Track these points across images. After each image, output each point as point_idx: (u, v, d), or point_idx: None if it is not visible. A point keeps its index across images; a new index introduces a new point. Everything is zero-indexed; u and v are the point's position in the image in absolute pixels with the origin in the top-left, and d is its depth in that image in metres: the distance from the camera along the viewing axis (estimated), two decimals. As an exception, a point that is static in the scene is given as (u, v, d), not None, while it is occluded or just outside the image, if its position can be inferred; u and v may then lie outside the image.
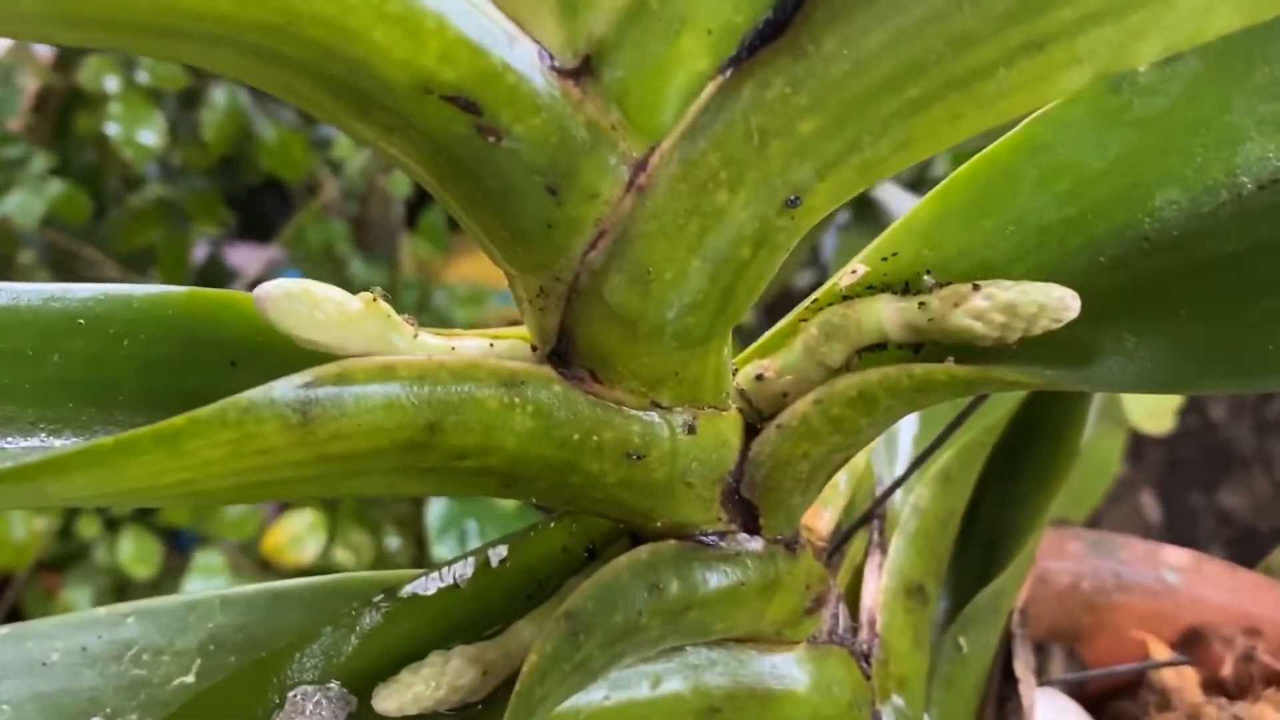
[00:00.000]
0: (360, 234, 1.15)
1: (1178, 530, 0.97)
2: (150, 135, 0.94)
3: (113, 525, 0.95)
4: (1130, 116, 0.16)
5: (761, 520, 0.19)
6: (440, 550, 0.84)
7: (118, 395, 0.17)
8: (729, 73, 0.14)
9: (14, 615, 1.08)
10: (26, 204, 0.95)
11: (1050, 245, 0.17)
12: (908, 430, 0.30)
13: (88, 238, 1.11)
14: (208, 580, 0.88)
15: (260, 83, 0.14)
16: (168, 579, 0.96)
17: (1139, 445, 1.04)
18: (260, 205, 1.32)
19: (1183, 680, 0.32)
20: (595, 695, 0.20)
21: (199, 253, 1.22)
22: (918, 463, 0.25)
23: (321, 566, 0.91)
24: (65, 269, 1.11)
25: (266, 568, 0.92)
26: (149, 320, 0.18)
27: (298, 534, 0.90)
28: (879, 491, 0.26)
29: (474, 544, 0.90)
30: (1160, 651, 0.33)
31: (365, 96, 0.14)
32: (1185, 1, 0.12)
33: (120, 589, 1.00)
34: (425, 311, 1.15)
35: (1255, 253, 0.16)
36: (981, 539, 0.28)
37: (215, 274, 1.31)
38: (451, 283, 1.18)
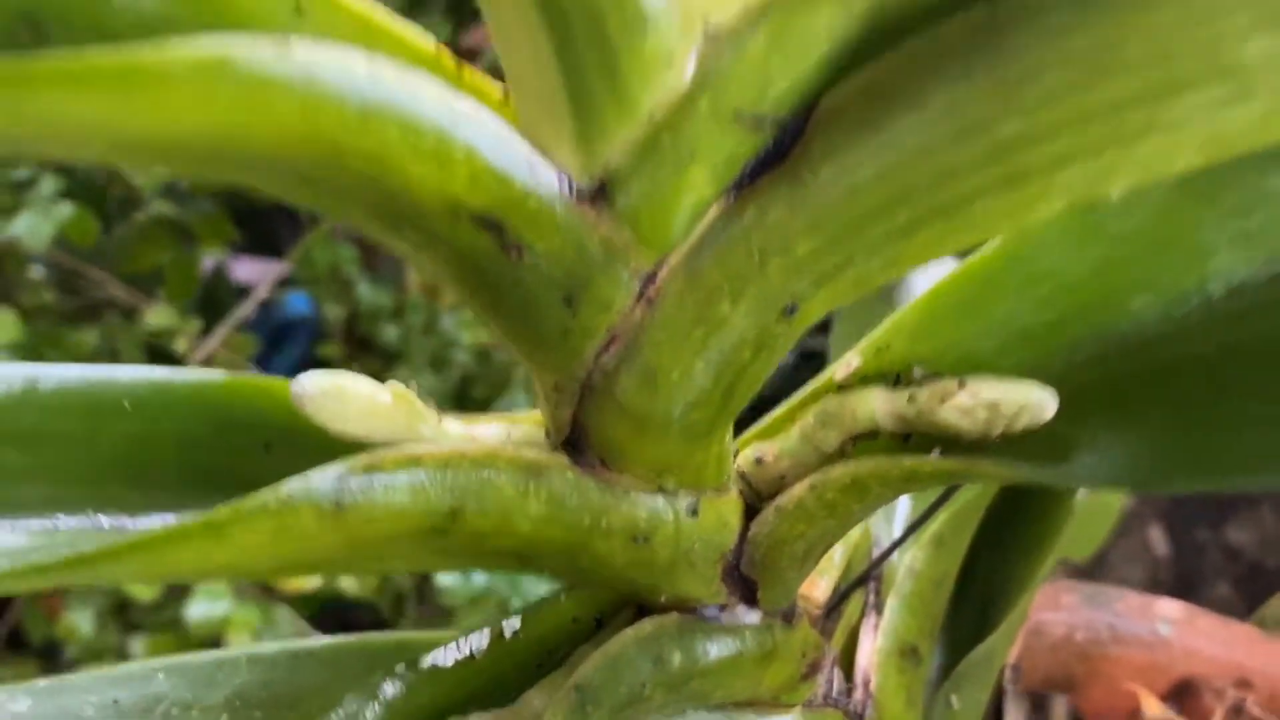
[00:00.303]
0: (368, 257, 1.17)
1: (1185, 565, 0.98)
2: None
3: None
4: (1106, 232, 0.18)
5: (760, 594, 0.20)
6: (444, 579, 0.85)
7: (160, 475, 0.18)
8: (732, 197, 0.16)
9: (15, 636, 1.09)
10: (36, 226, 0.96)
11: (1032, 345, 0.18)
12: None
13: (93, 257, 1.12)
14: (211, 603, 0.89)
15: (299, 200, 0.16)
16: (170, 601, 0.97)
17: (1145, 478, 1.05)
18: (268, 221, 1.34)
19: (1173, 733, 0.33)
20: None
21: (205, 265, 1.24)
22: (914, 527, 0.26)
23: (326, 591, 0.92)
24: (71, 289, 1.13)
25: (270, 591, 0.94)
26: (190, 404, 0.19)
27: (302, 559, 0.91)
28: (876, 554, 0.27)
29: (477, 579, 0.92)
30: (1151, 704, 0.34)
31: (400, 217, 0.15)
32: (1149, 145, 0.14)
33: (121, 610, 1.01)
34: (432, 334, 1.16)
35: (1223, 355, 0.17)
36: (976, 598, 0.29)
37: (221, 290, 1.33)
38: (458, 305, 1.19)
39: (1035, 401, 0.17)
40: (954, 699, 0.27)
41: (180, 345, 1.13)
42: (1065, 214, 0.18)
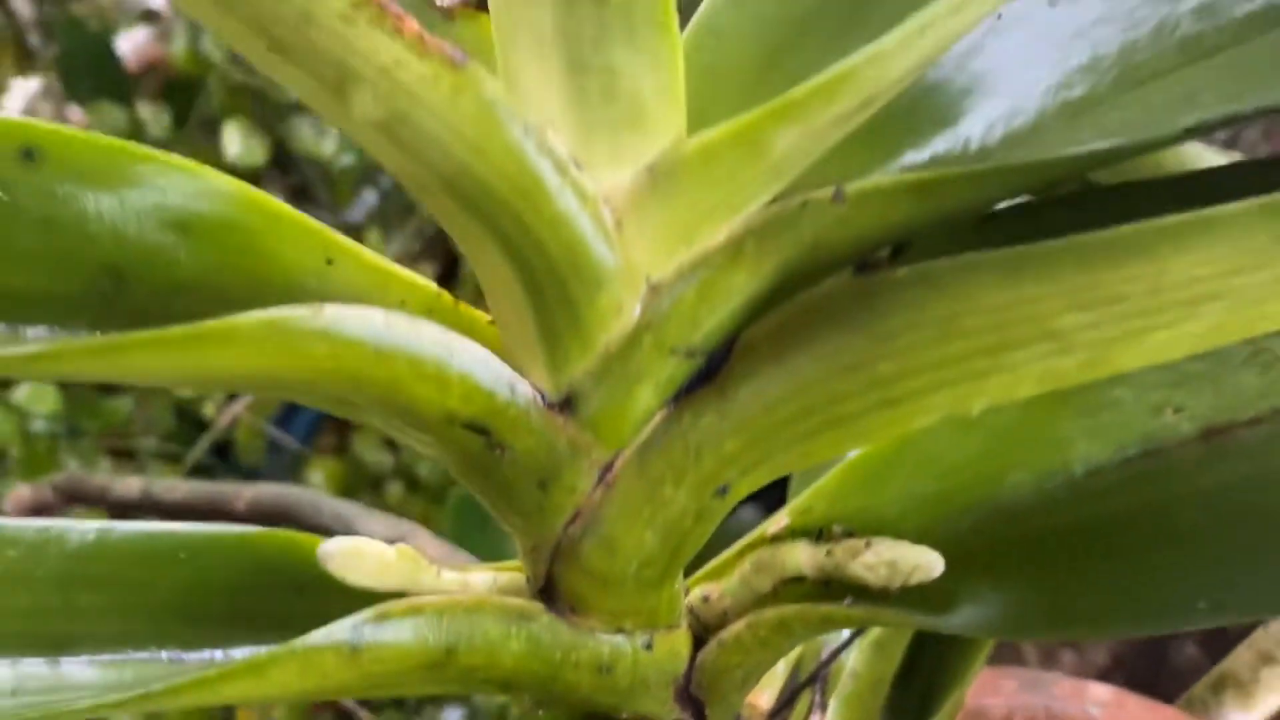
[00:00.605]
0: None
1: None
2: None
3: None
4: (982, 425, 0.21)
5: (708, 711, 0.23)
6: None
7: (210, 615, 0.21)
8: (672, 407, 0.19)
9: None
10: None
11: (926, 512, 0.21)
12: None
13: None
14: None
15: (334, 410, 0.19)
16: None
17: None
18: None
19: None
20: None
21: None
22: (854, 636, 0.29)
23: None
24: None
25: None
26: (234, 553, 0.22)
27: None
28: (824, 655, 0.30)
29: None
30: None
31: (410, 423, 0.18)
32: (996, 381, 0.17)
33: None
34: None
35: (1079, 527, 0.20)
36: (917, 690, 0.32)
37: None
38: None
39: (926, 562, 0.20)
40: None
41: (208, 410, 1.16)
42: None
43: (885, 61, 0.15)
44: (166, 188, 0.18)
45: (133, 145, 0.18)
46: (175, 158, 0.18)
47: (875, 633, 0.30)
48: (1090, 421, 0.20)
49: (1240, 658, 0.44)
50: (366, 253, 0.19)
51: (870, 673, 0.29)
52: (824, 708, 0.29)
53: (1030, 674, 0.39)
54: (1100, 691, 0.39)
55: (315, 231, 0.19)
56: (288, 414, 1.25)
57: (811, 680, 0.29)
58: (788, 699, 0.28)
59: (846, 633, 0.32)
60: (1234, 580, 0.19)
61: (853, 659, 0.30)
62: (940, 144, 0.19)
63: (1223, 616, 0.18)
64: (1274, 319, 0.16)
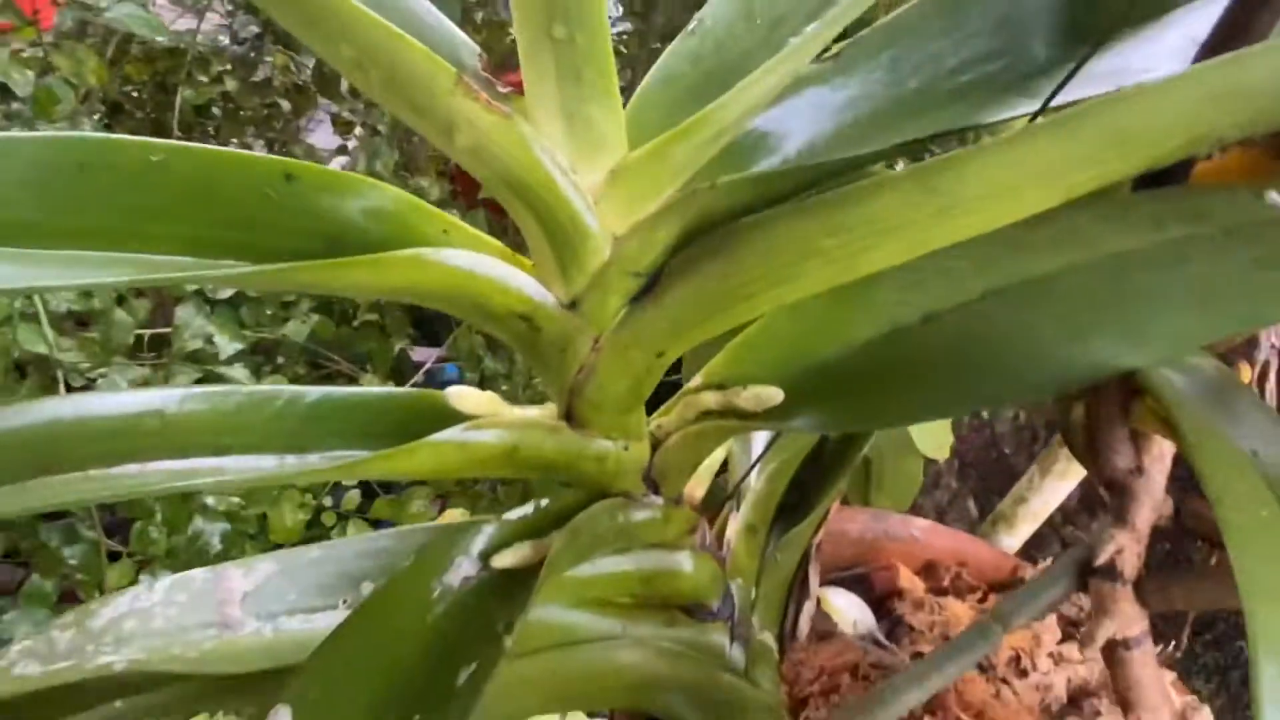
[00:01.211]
0: (490, 342, 1.23)
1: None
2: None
3: (343, 518, 1.02)
4: (802, 314, 0.24)
5: (662, 489, 0.26)
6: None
7: (377, 440, 0.25)
8: (631, 306, 0.22)
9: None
10: (298, 329, 1.05)
11: (773, 368, 0.23)
12: (760, 440, 0.34)
13: (330, 345, 1.21)
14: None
15: (446, 310, 0.23)
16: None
17: (964, 468, 1.08)
18: (432, 323, 1.41)
19: (915, 585, 0.38)
20: (584, 569, 0.26)
21: (396, 349, 1.32)
22: (756, 462, 0.33)
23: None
24: (315, 364, 1.21)
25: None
26: (397, 402, 0.26)
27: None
28: (739, 476, 0.34)
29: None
30: (905, 574, 0.39)
31: (485, 314, 0.22)
32: (799, 283, 0.21)
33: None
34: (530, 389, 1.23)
35: (862, 370, 0.23)
36: (796, 501, 0.34)
37: (404, 364, 1.41)
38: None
39: (770, 394, 0.23)
40: (779, 556, 0.32)
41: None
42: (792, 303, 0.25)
43: (723, 110, 0.19)
44: (364, 194, 0.22)
45: (346, 173, 0.22)
46: (369, 179, 0.22)
47: (773, 464, 0.33)
48: (863, 313, 0.24)
49: (1006, 501, 0.46)
50: (465, 226, 0.23)
51: (767, 488, 0.32)
52: (738, 508, 0.32)
53: (876, 511, 0.41)
54: (921, 521, 0.41)
55: (438, 215, 0.23)
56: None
57: (732, 495, 0.32)
58: (719, 505, 0.32)
59: (757, 457, 0.34)
60: (951, 391, 0.22)
61: (757, 482, 0.33)
62: (773, 159, 0.23)
63: (948, 412, 0.22)
64: (937, 241, 0.19)
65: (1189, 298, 0.19)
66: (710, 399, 0.25)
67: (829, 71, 0.24)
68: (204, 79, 1.15)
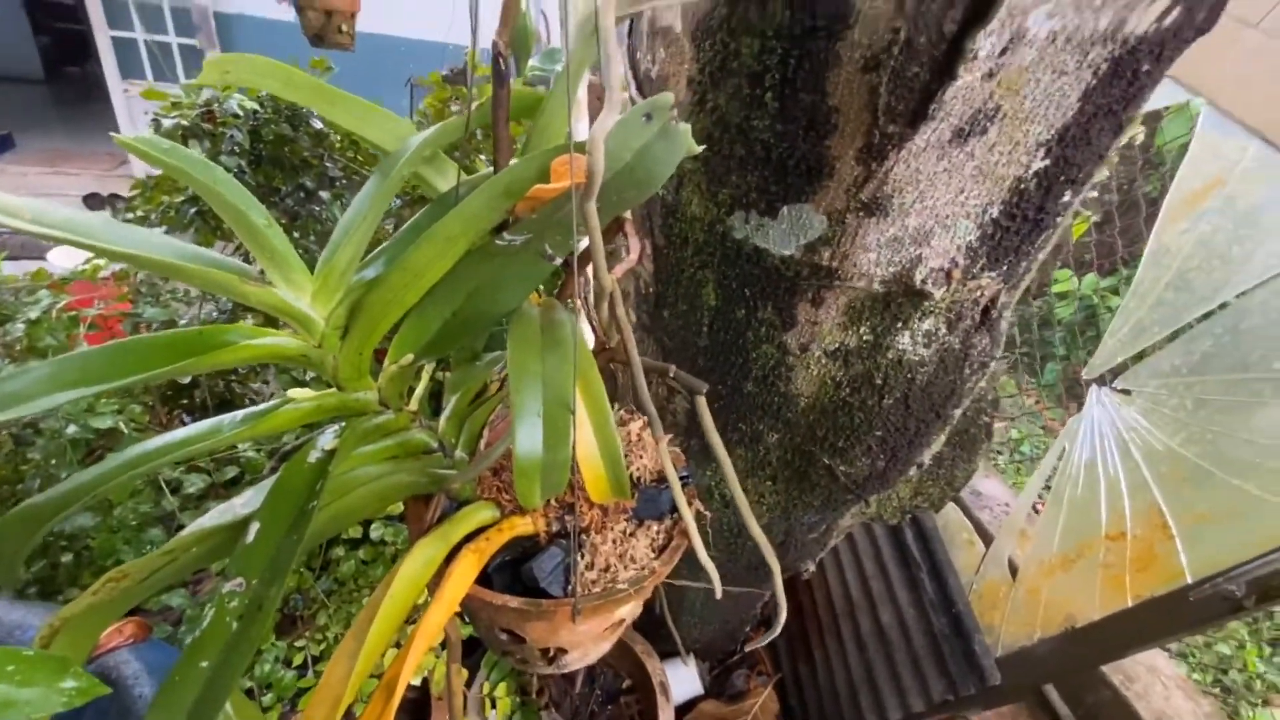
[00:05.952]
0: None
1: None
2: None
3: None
4: (438, 295, 0.59)
5: (390, 407, 0.60)
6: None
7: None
8: (342, 341, 0.57)
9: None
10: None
11: (404, 349, 0.60)
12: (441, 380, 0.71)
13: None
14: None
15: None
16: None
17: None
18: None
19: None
20: (373, 446, 0.61)
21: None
22: (450, 395, 0.68)
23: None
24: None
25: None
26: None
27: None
28: (446, 398, 0.68)
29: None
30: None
31: (289, 359, 0.56)
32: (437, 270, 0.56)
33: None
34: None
35: (459, 321, 0.60)
36: (473, 400, 0.70)
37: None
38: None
39: (409, 358, 0.59)
40: (466, 425, 0.68)
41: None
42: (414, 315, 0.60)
43: (338, 257, 0.54)
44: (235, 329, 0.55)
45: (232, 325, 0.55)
46: (242, 325, 0.55)
47: (457, 393, 0.68)
48: (435, 313, 0.59)
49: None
50: (268, 329, 0.57)
51: (459, 401, 0.68)
52: (446, 408, 0.67)
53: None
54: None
55: (262, 329, 0.56)
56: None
57: (443, 405, 0.68)
58: (434, 413, 0.67)
59: (448, 391, 0.70)
60: (476, 334, 0.58)
61: (449, 398, 0.68)
62: (367, 272, 0.58)
63: (474, 342, 0.57)
64: (440, 273, 0.54)
65: (518, 275, 0.56)
66: (393, 367, 0.59)
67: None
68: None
